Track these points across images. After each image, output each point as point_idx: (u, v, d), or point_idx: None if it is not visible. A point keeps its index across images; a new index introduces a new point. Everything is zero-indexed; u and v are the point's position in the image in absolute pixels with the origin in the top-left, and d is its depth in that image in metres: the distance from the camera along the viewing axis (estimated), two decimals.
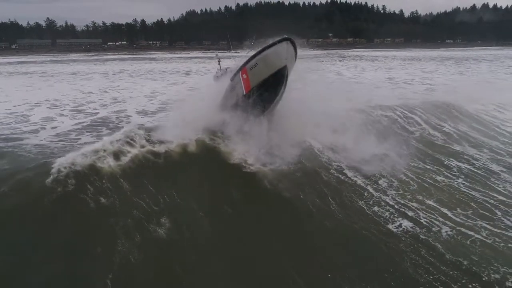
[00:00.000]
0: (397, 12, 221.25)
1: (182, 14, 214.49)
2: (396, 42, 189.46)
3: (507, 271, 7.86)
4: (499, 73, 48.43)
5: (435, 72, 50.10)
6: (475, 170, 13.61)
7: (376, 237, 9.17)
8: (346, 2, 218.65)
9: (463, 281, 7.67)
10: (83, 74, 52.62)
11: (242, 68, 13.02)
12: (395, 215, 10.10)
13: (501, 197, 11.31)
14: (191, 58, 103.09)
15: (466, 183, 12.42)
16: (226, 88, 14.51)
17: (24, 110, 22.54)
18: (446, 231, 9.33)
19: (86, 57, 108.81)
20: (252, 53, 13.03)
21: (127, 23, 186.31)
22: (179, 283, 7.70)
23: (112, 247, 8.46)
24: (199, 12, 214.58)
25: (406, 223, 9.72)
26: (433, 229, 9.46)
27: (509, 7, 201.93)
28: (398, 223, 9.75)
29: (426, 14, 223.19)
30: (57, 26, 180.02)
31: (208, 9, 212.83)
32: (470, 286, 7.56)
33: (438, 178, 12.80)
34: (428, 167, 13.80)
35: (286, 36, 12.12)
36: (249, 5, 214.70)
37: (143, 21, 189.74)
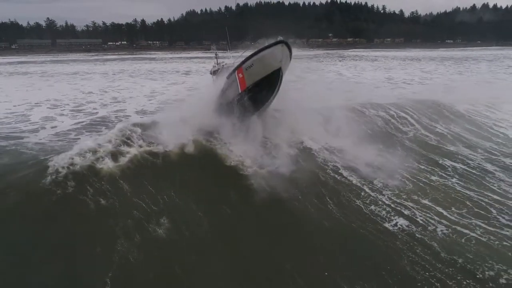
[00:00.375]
0: (397, 12, 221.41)
1: (182, 14, 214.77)
2: (396, 42, 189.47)
3: (501, 268, 7.96)
4: (499, 73, 48.51)
5: (435, 72, 50.22)
6: (470, 170, 13.70)
7: (373, 236, 9.28)
8: (346, 2, 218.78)
9: (458, 277, 7.77)
10: (83, 74, 52.76)
11: (238, 68, 13.31)
12: (392, 214, 10.19)
13: (495, 196, 11.40)
14: (191, 58, 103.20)
15: (461, 182, 12.51)
16: (223, 86, 14.76)
17: (24, 110, 22.65)
18: (441, 230, 9.42)
19: (86, 57, 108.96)
20: (249, 52, 13.28)
21: (127, 23, 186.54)
22: (179, 282, 7.78)
23: (112, 247, 8.52)
24: (199, 12, 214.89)
25: (403, 222, 9.81)
26: (429, 227, 9.55)
27: (509, 7, 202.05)
28: (394, 222, 9.85)
29: (426, 14, 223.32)
30: (57, 26, 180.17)
31: (208, 9, 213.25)
32: (464, 282, 7.65)
33: (433, 177, 12.89)
34: (423, 167, 13.88)
35: (282, 39, 12.35)
36: (249, 5, 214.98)
37: (143, 21, 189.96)
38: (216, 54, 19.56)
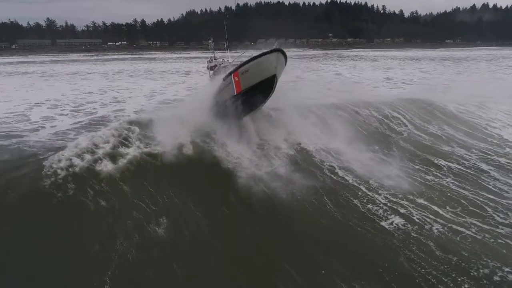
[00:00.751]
0: (397, 12, 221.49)
1: (182, 14, 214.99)
2: (396, 42, 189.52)
3: (496, 265, 8.06)
4: (498, 73, 48.58)
5: (434, 72, 50.30)
6: (465, 169, 13.79)
7: (371, 234, 9.39)
8: (346, 2, 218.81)
9: (454, 275, 7.86)
10: (83, 74, 52.86)
11: (234, 71, 13.70)
12: (388, 213, 10.30)
13: (490, 195, 11.50)
14: (191, 58, 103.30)
15: (455, 182, 12.60)
16: (219, 86, 15.11)
17: (23, 110, 22.70)
18: (437, 228, 9.52)
19: (86, 57, 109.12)
20: (249, 53, 13.57)
21: (127, 23, 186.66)
22: (178, 281, 7.85)
23: (112, 246, 8.61)
24: (199, 12, 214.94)
25: (399, 221, 9.91)
26: (425, 226, 9.65)
27: (509, 7, 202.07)
28: (391, 220, 9.95)
29: (426, 14, 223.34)
30: (57, 26, 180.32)
31: (208, 9, 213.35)
32: (459, 279, 7.75)
33: (428, 177, 13.00)
34: (417, 166, 14.01)
35: (278, 47, 12.71)
36: (249, 5, 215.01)
37: (143, 21, 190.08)
38: (212, 49, 19.78)
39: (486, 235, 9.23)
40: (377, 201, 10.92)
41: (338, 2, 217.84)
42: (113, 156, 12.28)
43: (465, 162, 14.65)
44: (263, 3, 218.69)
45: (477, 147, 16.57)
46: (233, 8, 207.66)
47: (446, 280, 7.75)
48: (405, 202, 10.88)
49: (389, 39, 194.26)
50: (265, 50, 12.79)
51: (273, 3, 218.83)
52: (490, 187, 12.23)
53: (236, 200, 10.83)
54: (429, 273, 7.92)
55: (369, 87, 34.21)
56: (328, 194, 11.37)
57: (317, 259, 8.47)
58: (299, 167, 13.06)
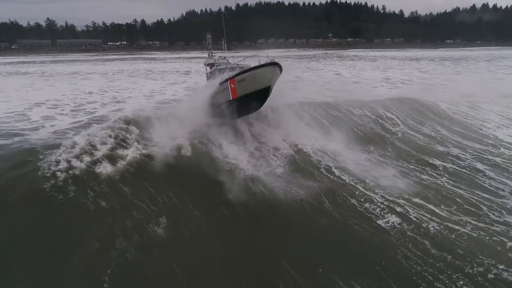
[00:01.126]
0: (397, 12, 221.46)
1: (182, 14, 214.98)
2: (395, 42, 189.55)
3: (491, 263, 8.15)
4: (497, 72, 48.61)
5: (433, 72, 50.32)
6: (460, 169, 13.89)
7: (368, 232, 9.50)
8: (346, 2, 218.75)
9: (449, 272, 7.96)
10: (83, 74, 52.89)
11: (231, 78, 14.36)
12: (385, 212, 10.41)
13: (485, 194, 11.60)
14: (191, 58, 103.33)
15: (450, 181, 12.71)
16: (215, 90, 15.63)
17: (24, 110, 22.77)
18: (433, 226, 9.62)
19: (86, 57, 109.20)
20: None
21: (127, 23, 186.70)
22: (177, 280, 7.92)
23: (111, 245, 8.71)
24: (199, 12, 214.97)
25: (396, 219, 10.02)
26: (421, 224, 9.75)
27: (508, 7, 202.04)
28: (388, 219, 10.05)
29: (426, 14, 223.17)
30: (57, 26, 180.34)
31: (208, 9, 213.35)
32: (454, 276, 7.84)
33: (424, 176, 13.14)
34: (413, 166, 14.15)
35: (274, 61, 13.49)
36: (249, 5, 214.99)
37: (143, 21, 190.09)
38: (210, 44, 19.95)
39: (481, 232, 9.32)
40: (374, 200, 11.04)
41: (338, 2, 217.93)
42: (112, 158, 12.48)
43: (460, 162, 14.74)
44: (263, 3, 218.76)
45: (472, 147, 16.67)
46: (233, 8, 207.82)
47: (442, 277, 7.84)
48: (401, 201, 10.98)
49: (389, 39, 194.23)
50: (262, 63, 13.51)
51: (273, 3, 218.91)
52: (486, 186, 12.33)
53: (235, 200, 10.95)
54: (426, 271, 8.03)
55: (368, 87, 34.32)
56: (326, 193, 11.49)
57: (315, 258, 8.58)
58: (297, 167, 13.22)
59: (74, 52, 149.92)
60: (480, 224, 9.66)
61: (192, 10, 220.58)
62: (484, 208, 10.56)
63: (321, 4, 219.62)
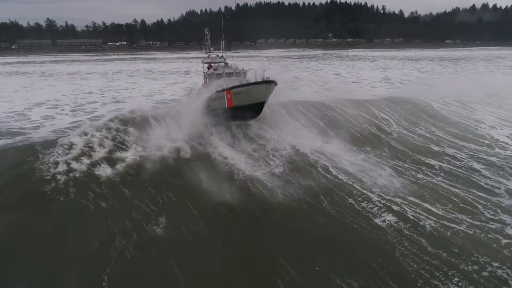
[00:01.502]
0: (396, 12, 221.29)
1: (182, 14, 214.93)
2: (395, 42, 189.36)
3: (486, 261, 8.25)
4: (496, 72, 48.66)
5: (432, 72, 50.36)
6: (456, 169, 13.97)
7: (366, 231, 9.61)
8: (346, 2, 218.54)
9: (445, 269, 8.06)
10: (83, 74, 52.94)
11: (227, 89, 14.99)
12: (382, 210, 10.51)
13: (481, 193, 11.69)
14: (190, 58, 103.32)
15: (446, 180, 12.80)
16: (212, 95, 16.12)
17: (24, 109, 22.93)
18: (429, 224, 9.72)
19: (86, 57, 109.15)
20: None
21: (127, 23, 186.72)
22: (176, 278, 7.99)
23: (110, 244, 8.80)
24: (199, 12, 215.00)
25: (393, 218, 10.11)
26: (418, 223, 9.85)
27: (508, 7, 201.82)
28: (385, 217, 10.15)
29: (426, 14, 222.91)
30: (57, 26, 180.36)
31: (208, 9, 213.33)
32: (449, 273, 7.94)
33: (420, 175, 13.24)
34: (409, 166, 14.23)
35: (270, 79, 14.02)
36: (249, 5, 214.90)
37: (143, 21, 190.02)
38: (209, 42, 20.05)
39: (477, 230, 9.42)
40: (371, 199, 11.15)
41: (338, 2, 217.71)
42: (112, 160, 12.66)
43: (456, 162, 14.82)
44: (263, 3, 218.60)
45: (468, 147, 16.74)
46: (233, 8, 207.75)
47: (438, 274, 7.94)
48: (398, 200, 11.08)
49: (388, 39, 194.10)
50: (258, 79, 14.12)
51: (273, 3, 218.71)
52: (482, 184, 12.42)
53: (233, 200, 11.07)
54: (422, 268, 8.12)
55: (367, 87, 34.38)
56: (324, 193, 11.61)
57: (313, 256, 8.67)
58: (295, 167, 13.33)
59: (74, 52, 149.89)
60: (476, 222, 9.76)
61: (192, 10, 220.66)
62: (480, 206, 10.67)
63: (321, 4, 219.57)
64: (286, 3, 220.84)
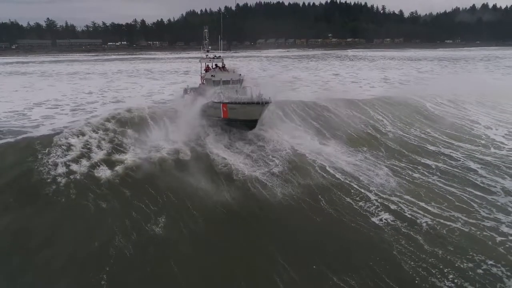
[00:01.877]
0: (396, 12, 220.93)
1: (182, 14, 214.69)
2: (395, 42, 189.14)
3: (481, 259, 8.36)
4: (495, 73, 48.61)
5: (431, 72, 50.34)
6: (452, 168, 14.06)
7: (364, 229, 9.72)
8: (345, 2, 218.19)
9: (441, 266, 8.18)
10: (83, 74, 52.89)
11: (223, 103, 15.35)
12: (379, 209, 10.63)
13: (477, 192, 11.79)
14: (190, 58, 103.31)
15: (442, 179, 12.89)
16: (209, 103, 16.41)
17: (24, 109, 22.98)
18: (426, 222, 9.82)
19: (86, 57, 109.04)
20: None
21: (127, 23, 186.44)
22: (175, 277, 8.09)
23: (110, 243, 8.92)
24: (199, 12, 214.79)
25: (390, 216, 10.22)
26: (414, 221, 9.95)
27: (508, 7, 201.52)
28: (382, 216, 10.27)
29: (426, 14, 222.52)
30: (57, 26, 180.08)
31: (208, 9, 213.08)
32: (445, 270, 8.05)
33: (416, 175, 13.33)
34: (406, 165, 14.32)
35: (264, 100, 14.26)
36: (249, 5, 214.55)
37: (143, 21, 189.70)
38: (207, 41, 20.09)
39: (472, 228, 9.53)
40: (369, 198, 11.25)
41: (338, 2, 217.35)
42: (111, 162, 12.79)
43: (452, 161, 14.88)
44: (263, 3, 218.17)
45: (465, 146, 16.83)
46: (233, 8, 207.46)
47: (434, 271, 8.05)
48: (395, 199, 11.18)
49: (388, 39, 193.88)
50: (255, 100, 14.35)
51: (273, 3, 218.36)
52: (478, 183, 12.51)
53: (232, 199, 11.20)
54: (419, 266, 8.23)
55: (367, 87, 34.38)
56: (322, 192, 11.71)
57: (310, 254, 8.78)
58: (293, 168, 13.41)
59: (74, 52, 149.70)
60: (471, 220, 9.87)
61: (192, 10, 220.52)
62: (475, 205, 10.78)
63: (321, 4, 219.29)
64: (286, 3, 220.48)
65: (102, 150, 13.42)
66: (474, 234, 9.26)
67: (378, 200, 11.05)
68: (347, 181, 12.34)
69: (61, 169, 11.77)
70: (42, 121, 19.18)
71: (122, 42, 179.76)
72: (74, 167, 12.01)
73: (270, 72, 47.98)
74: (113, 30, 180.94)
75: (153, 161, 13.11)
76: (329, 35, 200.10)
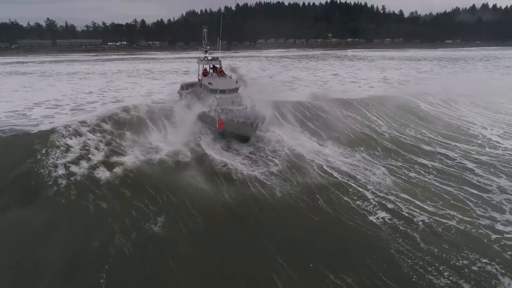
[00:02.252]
0: (396, 12, 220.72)
1: (182, 14, 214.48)
2: (395, 43, 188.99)
3: (475, 257, 8.47)
4: (495, 73, 48.69)
5: (431, 72, 50.40)
6: (448, 167, 14.15)
7: (361, 227, 9.81)
8: (345, 2, 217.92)
9: (437, 264, 8.27)
10: (83, 74, 52.96)
11: (219, 117, 15.63)
12: (377, 208, 10.73)
13: (473, 190, 11.90)
14: (190, 58, 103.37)
15: (438, 178, 12.98)
16: (205, 111, 16.75)
17: (24, 109, 23.13)
18: (422, 221, 9.92)
19: (86, 57, 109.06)
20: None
21: (127, 23, 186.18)
22: (174, 276, 8.16)
23: (110, 242, 9.00)
24: (199, 12, 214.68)
25: (387, 215, 10.32)
26: (411, 219, 10.05)
27: (508, 7, 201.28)
28: (379, 215, 10.36)
29: (426, 14, 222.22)
30: (57, 26, 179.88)
31: (208, 9, 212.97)
32: (441, 268, 8.15)
33: (412, 174, 13.44)
34: (404, 165, 14.39)
35: (257, 123, 14.68)
36: (249, 5, 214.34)
37: (143, 21, 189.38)
38: (206, 41, 20.22)
39: (468, 226, 9.64)
40: (366, 197, 11.36)
41: (338, 2, 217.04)
42: (111, 164, 12.92)
43: (448, 161, 14.95)
44: (263, 3, 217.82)
45: (461, 146, 16.92)
46: (233, 8, 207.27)
47: (430, 269, 8.15)
48: (392, 198, 11.28)
49: (388, 40, 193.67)
50: (248, 121, 14.67)
51: (273, 3, 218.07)
52: (474, 182, 12.59)
53: (231, 199, 11.31)
54: (416, 263, 8.34)
55: (365, 87, 34.49)
56: (320, 191, 11.82)
57: (308, 252, 8.88)
58: (292, 168, 13.52)
59: (74, 52, 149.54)
60: (467, 219, 9.98)
61: (192, 10, 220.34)
62: (471, 203, 10.88)
63: (321, 4, 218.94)
64: (286, 3, 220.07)
65: (101, 151, 13.55)
66: (470, 232, 9.36)
67: (375, 199, 11.15)
68: (345, 180, 12.45)
69: (60, 170, 11.96)
70: (41, 120, 19.29)
71: (122, 42, 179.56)
72: (74, 168, 12.23)
73: (269, 72, 48.02)
74: (113, 30, 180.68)
75: (153, 162, 13.26)
76: (329, 35, 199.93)
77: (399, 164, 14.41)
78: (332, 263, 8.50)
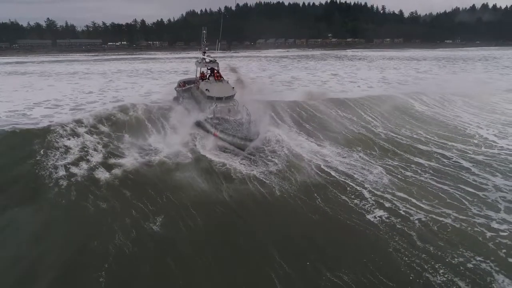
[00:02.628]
0: (396, 12, 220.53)
1: (182, 14, 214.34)
2: (395, 42, 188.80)
3: (470, 255, 8.57)
4: (494, 73, 48.71)
5: (430, 72, 50.42)
6: (444, 166, 14.23)
7: (359, 226, 9.90)
8: (345, 2, 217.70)
9: (433, 262, 8.38)
10: (83, 74, 52.99)
11: (215, 132, 15.83)
12: (374, 207, 10.83)
13: (469, 189, 12.00)
14: (190, 58, 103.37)
15: (435, 177, 13.07)
16: (201, 121, 16.90)
17: (24, 109, 23.14)
18: (419, 219, 10.03)
19: (86, 57, 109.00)
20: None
21: (127, 24, 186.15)
22: (174, 275, 8.24)
23: (110, 242, 9.08)
24: (198, 12, 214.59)
25: (384, 214, 10.43)
26: (407, 218, 10.16)
27: (508, 7, 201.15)
28: (376, 213, 10.47)
29: (426, 14, 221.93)
30: (57, 26, 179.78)
31: (208, 9, 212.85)
32: (436, 266, 8.26)
33: (408, 173, 13.53)
34: (401, 164, 14.48)
35: (252, 138, 14.81)
36: (248, 5, 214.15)
37: (143, 21, 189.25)
38: (205, 39, 20.31)
39: (463, 224, 9.74)
40: (363, 196, 11.46)
41: (338, 2, 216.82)
42: (110, 166, 13.04)
43: (445, 160, 15.04)
44: (263, 3, 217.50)
45: (458, 146, 16.97)
46: (233, 8, 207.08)
47: (426, 267, 8.25)
48: (389, 196, 11.39)
49: (388, 40, 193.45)
50: (242, 136, 14.88)
51: (273, 3, 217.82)
52: (470, 181, 12.68)
53: (231, 198, 11.41)
54: (413, 261, 8.44)
55: (364, 87, 34.52)
56: (318, 190, 11.92)
57: (307, 251, 8.98)
58: (289, 167, 13.63)
59: (74, 52, 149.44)
60: (462, 217, 10.09)
61: (192, 10, 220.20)
62: (467, 202, 10.98)
63: (320, 4, 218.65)
64: (286, 3, 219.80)
65: (101, 153, 13.64)
66: (465, 230, 9.46)
67: (373, 198, 11.25)
68: (342, 179, 12.55)
69: (60, 171, 12.10)
70: (41, 120, 19.35)
71: (122, 42, 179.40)
72: (73, 169, 12.42)
73: (269, 72, 48.03)
74: (113, 30, 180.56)
75: (152, 163, 13.41)
76: (329, 35, 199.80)
77: (396, 163, 14.51)
78: (329, 261, 8.60)
